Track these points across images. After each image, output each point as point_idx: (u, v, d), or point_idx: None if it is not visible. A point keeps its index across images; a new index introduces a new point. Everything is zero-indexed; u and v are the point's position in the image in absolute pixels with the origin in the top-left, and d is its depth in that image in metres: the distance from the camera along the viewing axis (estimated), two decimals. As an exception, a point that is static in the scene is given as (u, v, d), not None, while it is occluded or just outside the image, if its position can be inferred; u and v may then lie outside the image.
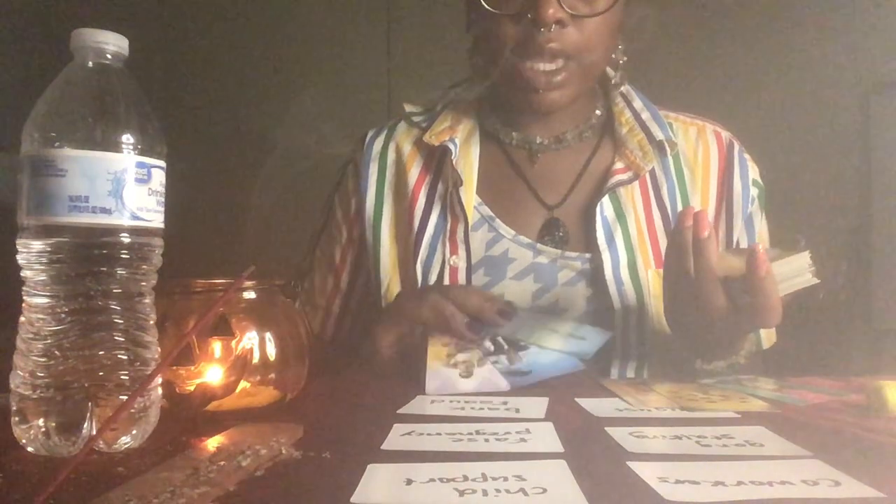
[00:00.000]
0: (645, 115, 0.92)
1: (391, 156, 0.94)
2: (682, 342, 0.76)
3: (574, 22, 0.80)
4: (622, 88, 0.94)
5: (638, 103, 0.93)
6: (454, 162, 0.89)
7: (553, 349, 0.73)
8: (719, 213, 0.92)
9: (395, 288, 0.89)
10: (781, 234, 0.67)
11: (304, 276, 0.99)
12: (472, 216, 0.89)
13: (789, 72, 1.89)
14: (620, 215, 0.88)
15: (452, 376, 0.68)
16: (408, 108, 0.98)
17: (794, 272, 0.66)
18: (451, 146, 0.89)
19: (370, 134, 0.97)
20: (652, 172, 0.90)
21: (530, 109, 0.87)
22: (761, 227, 0.93)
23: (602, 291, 0.85)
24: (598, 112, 0.94)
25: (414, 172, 0.92)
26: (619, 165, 0.90)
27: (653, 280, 0.86)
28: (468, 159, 0.91)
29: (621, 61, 0.91)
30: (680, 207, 0.90)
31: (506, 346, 0.72)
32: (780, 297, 0.65)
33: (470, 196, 0.89)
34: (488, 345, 0.73)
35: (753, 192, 0.92)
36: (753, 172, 0.93)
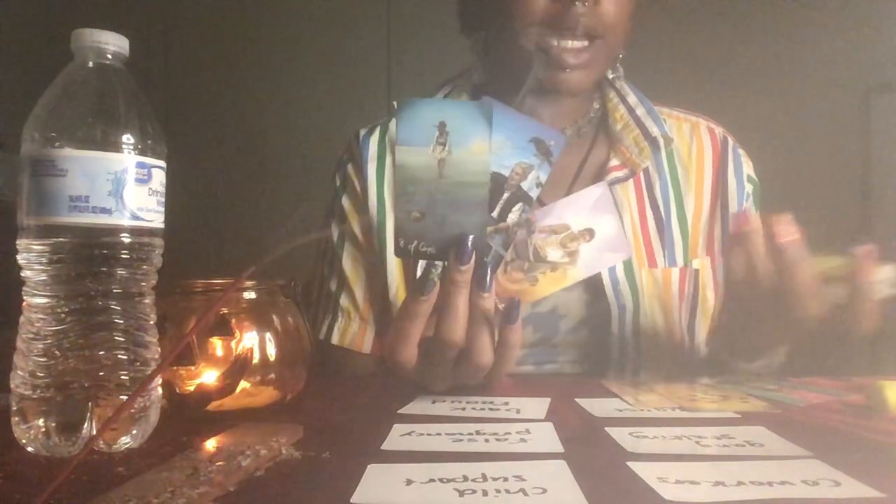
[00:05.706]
0: (640, 111, 0.91)
1: (388, 156, 0.91)
2: (729, 347, 0.75)
3: None
4: (616, 84, 0.93)
5: (632, 98, 0.92)
6: None
7: None
8: (714, 210, 0.91)
9: (403, 294, 0.87)
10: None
11: (314, 291, 0.94)
12: None
13: (790, 71, 1.89)
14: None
15: None
16: None
17: (887, 282, 0.64)
18: None
19: (363, 133, 0.94)
20: (645, 170, 0.89)
21: (554, 89, 0.82)
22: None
23: (599, 294, 0.84)
24: (595, 106, 0.93)
25: None
26: (614, 162, 0.89)
27: (646, 279, 0.85)
28: None
29: (620, 55, 0.89)
30: (673, 205, 0.89)
31: None
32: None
33: None
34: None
35: (748, 188, 0.91)
36: (748, 168, 0.92)
